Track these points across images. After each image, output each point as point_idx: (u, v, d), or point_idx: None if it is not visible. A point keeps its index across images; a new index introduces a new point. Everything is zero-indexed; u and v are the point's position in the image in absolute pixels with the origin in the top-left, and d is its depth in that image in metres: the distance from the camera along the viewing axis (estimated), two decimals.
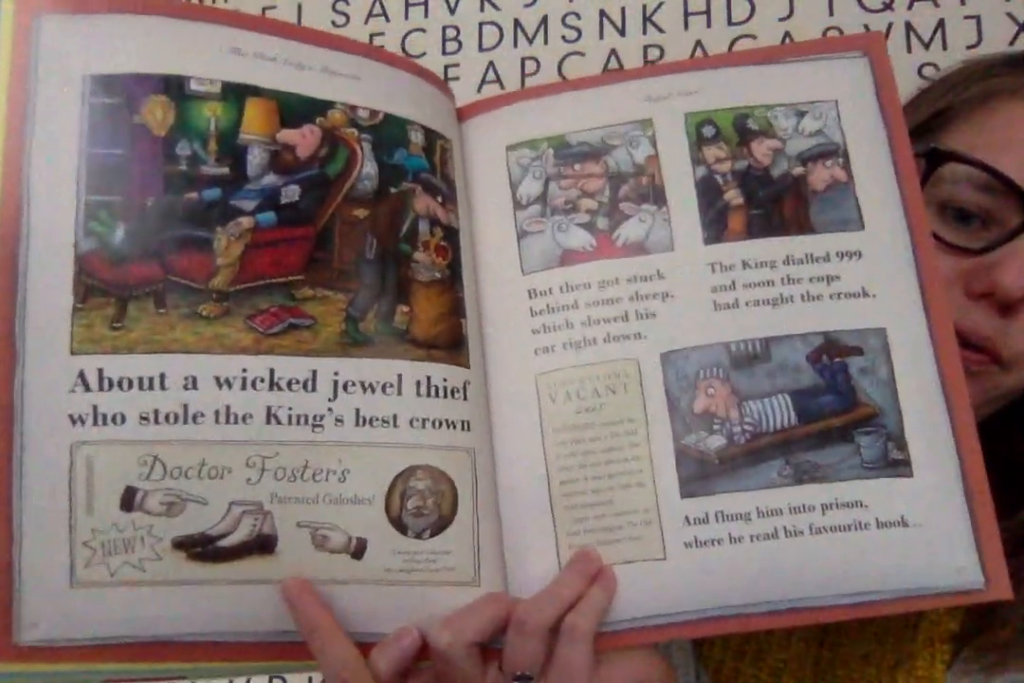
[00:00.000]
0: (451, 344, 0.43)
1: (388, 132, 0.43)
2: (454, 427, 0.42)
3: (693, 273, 0.44)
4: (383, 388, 0.40)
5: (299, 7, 1.23)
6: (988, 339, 0.49)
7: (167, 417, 0.38)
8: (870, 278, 0.44)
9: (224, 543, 0.38)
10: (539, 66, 1.14)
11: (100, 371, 0.38)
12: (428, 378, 0.41)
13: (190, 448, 0.38)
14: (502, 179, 0.47)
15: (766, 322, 0.43)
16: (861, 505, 0.41)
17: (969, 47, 1.01)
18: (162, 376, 0.38)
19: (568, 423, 0.43)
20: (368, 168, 0.42)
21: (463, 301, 0.44)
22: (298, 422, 0.39)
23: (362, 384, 0.40)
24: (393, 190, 0.43)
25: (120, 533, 0.37)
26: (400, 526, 0.40)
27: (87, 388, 0.37)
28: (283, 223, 0.40)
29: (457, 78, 1.17)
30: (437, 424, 0.41)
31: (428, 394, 0.41)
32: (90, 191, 0.38)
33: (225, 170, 0.40)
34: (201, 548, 0.38)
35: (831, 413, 0.42)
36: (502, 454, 0.43)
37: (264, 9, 1.25)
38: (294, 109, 0.41)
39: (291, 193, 0.40)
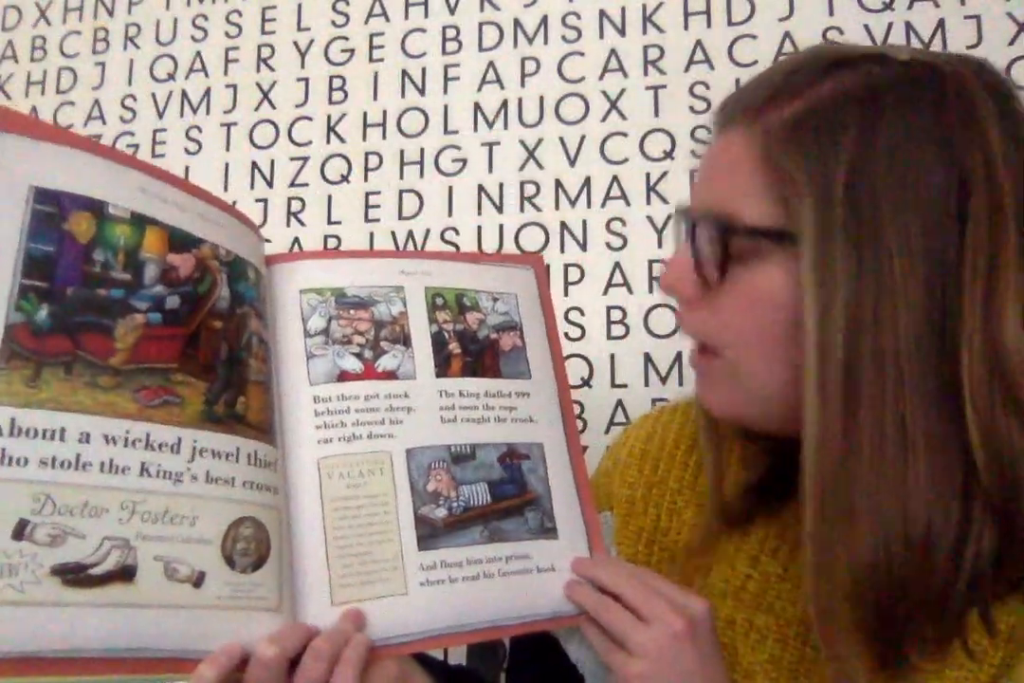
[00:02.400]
0: (267, 429, 0.57)
1: (236, 268, 0.58)
2: (269, 491, 0.55)
3: (428, 396, 0.64)
4: (226, 456, 0.53)
5: (299, 7, 1.20)
6: (684, 330, 0.61)
7: (62, 464, 0.46)
8: (534, 410, 0.67)
9: (94, 571, 0.47)
10: (539, 66, 1.14)
11: (12, 420, 0.45)
12: (255, 452, 0.55)
13: (77, 490, 0.47)
14: (296, 313, 0.63)
15: (473, 434, 0.64)
16: (528, 557, 0.62)
17: (969, 47, 1.01)
18: (63, 430, 0.47)
19: (340, 495, 0.59)
20: (224, 292, 0.56)
21: (274, 398, 0.58)
22: (164, 476, 0.50)
23: (213, 452, 0.52)
24: (238, 311, 0.57)
25: (7, 559, 0.44)
26: (231, 562, 0.51)
27: None
28: (166, 323, 0.52)
29: (457, 78, 1.15)
30: (259, 487, 0.54)
31: (256, 464, 0.54)
32: (23, 276, 0.47)
33: (128, 277, 0.51)
34: (74, 575, 0.46)
35: (511, 497, 0.64)
36: (295, 515, 0.57)
37: (264, 9, 1.20)
38: (179, 240, 0.54)
39: (173, 302, 0.53)
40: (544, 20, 1.15)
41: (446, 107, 1.17)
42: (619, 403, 1.09)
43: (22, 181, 0.48)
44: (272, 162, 1.22)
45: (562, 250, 1.13)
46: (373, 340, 0.64)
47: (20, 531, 0.45)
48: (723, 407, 0.59)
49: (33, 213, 0.48)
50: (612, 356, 1.10)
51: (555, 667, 0.68)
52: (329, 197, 1.20)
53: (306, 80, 1.23)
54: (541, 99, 1.15)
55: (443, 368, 0.65)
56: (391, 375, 0.64)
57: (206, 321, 0.55)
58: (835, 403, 0.50)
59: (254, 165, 1.23)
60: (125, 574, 0.47)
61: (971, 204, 0.50)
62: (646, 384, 1.08)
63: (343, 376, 0.62)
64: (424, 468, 0.62)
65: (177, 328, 0.53)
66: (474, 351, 0.67)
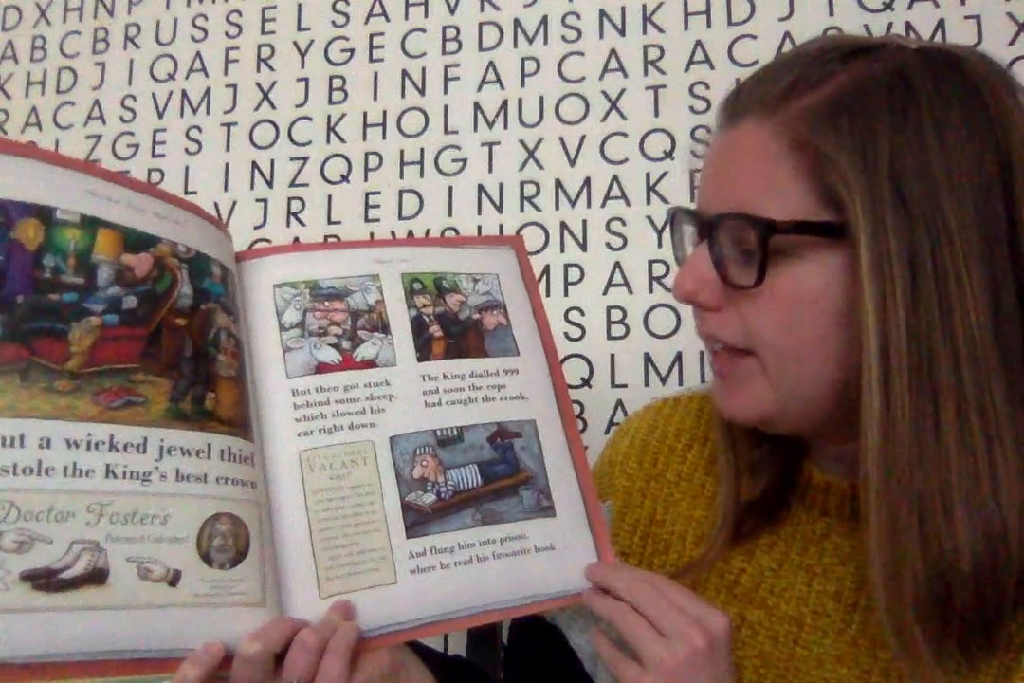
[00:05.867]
0: (242, 424, 0.56)
1: (199, 264, 0.57)
2: (246, 485, 0.54)
3: (410, 382, 0.63)
4: (196, 453, 0.52)
5: (299, 7, 1.21)
6: (710, 335, 0.57)
7: (24, 470, 0.47)
8: (524, 387, 0.66)
9: (64, 576, 0.46)
10: (539, 66, 1.15)
11: None
12: (229, 447, 0.54)
13: (41, 496, 0.47)
14: (270, 308, 0.62)
15: (459, 415, 0.63)
16: (524, 538, 0.61)
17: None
18: (22, 436, 0.47)
19: (323, 487, 0.58)
20: (186, 289, 0.56)
21: (248, 393, 0.58)
22: (131, 477, 0.50)
23: (182, 449, 0.52)
24: (203, 307, 0.56)
25: None
26: (208, 559, 0.51)
27: None
28: (123, 324, 0.52)
29: (457, 78, 1.15)
30: (235, 482, 0.54)
31: (229, 459, 0.54)
32: None
33: (81, 280, 0.51)
34: (45, 580, 0.46)
35: (503, 477, 0.62)
36: (277, 509, 0.56)
37: (264, 9, 1.21)
38: (134, 240, 0.54)
39: (130, 302, 0.53)
40: (544, 20, 1.15)
41: (446, 107, 1.17)
42: (619, 403, 1.08)
43: None
44: (272, 162, 1.22)
45: (562, 250, 1.12)
46: (350, 330, 0.63)
47: None
48: (753, 407, 0.56)
49: None
50: (612, 356, 1.09)
51: (553, 654, 0.67)
52: (329, 197, 1.19)
53: (306, 80, 1.23)
54: (541, 99, 1.15)
55: (425, 352, 0.64)
56: (371, 364, 0.63)
57: (168, 319, 0.54)
58: (902, 397, 0.48)
59: (254, 165, 1.23)
60: (97, 577, 0.47)
61: (1016, 187, 0.50)
62: (646, 384, 1.07)
63: (321, 368, 0.61)
64: (409, 455, 0.61)
65: (136, 328, 0.53)
66: (456, 333, 0.66)
